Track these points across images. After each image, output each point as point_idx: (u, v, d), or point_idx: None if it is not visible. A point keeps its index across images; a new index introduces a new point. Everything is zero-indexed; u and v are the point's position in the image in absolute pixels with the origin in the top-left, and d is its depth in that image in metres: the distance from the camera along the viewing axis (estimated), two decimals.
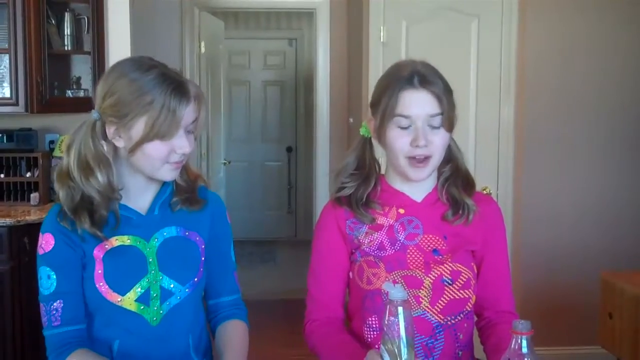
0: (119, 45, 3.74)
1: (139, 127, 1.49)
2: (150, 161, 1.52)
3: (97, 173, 1.52)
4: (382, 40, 3.81)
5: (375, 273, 1.61)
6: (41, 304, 1.56)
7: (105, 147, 1.53)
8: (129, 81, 1.50)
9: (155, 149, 1.50)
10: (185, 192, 1.66)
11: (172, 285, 1.59)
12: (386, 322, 1.31)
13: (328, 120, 5.21)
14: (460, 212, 1.66)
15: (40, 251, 1.56)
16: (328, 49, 5.16)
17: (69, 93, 3.83)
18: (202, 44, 5.23)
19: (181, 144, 1.52)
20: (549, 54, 3.81)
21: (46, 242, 1.55)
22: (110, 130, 1.52)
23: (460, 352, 1.63)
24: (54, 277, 1.54)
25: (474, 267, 1.65)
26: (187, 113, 1.51)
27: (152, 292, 1.57)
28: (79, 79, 3.88)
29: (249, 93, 7.43)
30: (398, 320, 1.30)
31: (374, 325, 1.61)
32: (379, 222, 1.65)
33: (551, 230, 3.88)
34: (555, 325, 3.86)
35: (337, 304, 1.69)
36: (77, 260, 1.56)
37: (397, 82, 1.58)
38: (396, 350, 1.30)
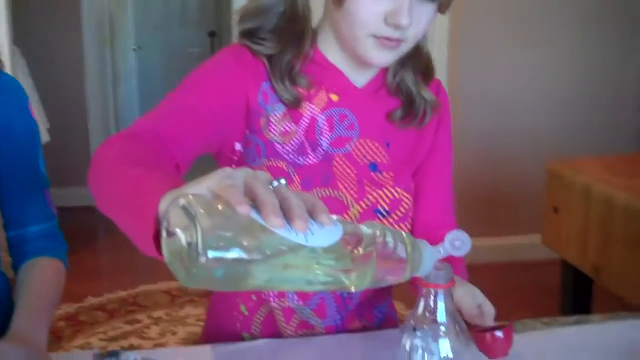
0: None
1: None
2: None
3: None
4: None
5: None
6: None
7: None
8: None
9: None
10: None
11: None
12: None
13: None
14: (415, 111, 1.14)
15: None
16: None
17: None
18: None
19: None
20: None
21: None
22: None
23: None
24: None
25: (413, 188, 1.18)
26: None
27: None
28: None
29: None
30: None
31: None
32: (300, 108, 1.10)
33: (492, 114, 3.54)
34: (497, 215, 3.59)
35: (178, 149, 0.94)
36: None
37: None
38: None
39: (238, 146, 1.10)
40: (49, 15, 4.46)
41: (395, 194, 1.13)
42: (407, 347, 0.81)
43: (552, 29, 3.53)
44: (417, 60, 1.15)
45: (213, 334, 1.19)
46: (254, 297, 1.14)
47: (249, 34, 1.09)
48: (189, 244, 0.59)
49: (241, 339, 1.16)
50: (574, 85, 3.60)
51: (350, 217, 1.10)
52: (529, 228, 3.34)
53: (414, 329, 0.81)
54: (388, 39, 1.02)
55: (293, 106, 1.09)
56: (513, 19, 3.49)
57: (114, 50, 4.85)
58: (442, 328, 0.80)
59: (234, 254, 0.60)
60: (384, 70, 1.15)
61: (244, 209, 0.60)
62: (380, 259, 0.70)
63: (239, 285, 0.63)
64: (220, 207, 0.61)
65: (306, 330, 1.15)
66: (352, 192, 1.11)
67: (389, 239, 0.71)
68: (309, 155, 1.09)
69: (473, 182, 3.51)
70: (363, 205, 1.11)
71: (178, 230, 0.60)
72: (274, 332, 1.15)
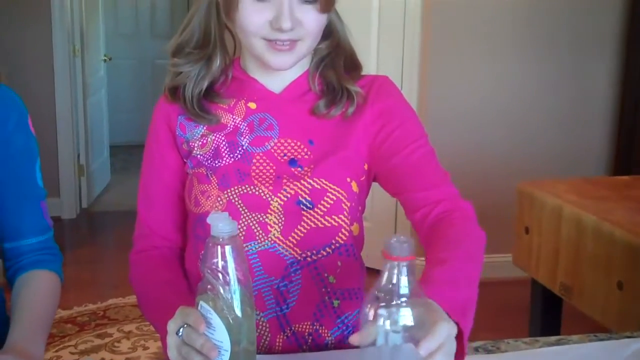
0: None
1: None
2: None
3: None
4: None
5: (204, 191, 1.18)
6: None
7: None
8: None
9: None
10: None
11: None
12: (207, 267, 0.90)
13: None
14: (339, 98, 1.20)
15: None
16: None
17: None
18: None
19: None
20: None
21: None
22: None
23: (336, 302, 1.19)
24: None
25: (353, 183, 1.19)
26: None
27: None
28: None
29: None
30: (225, 263, 0.89)
31: None
32: (222, 121, 1.22)
33: (463, 135, 3.57)
34: None
35: (168, 229, 1.27)
36: None
37: None
38: (223, 303, 0.89)
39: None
40: (19, 24, 4.42)
41: (315, 185, 1.16)
42: (370, 317, 0.85)
43: (522, 51, 3.59)
44: (337, 56, 1.23)
45: None
46: None
47: (171, 88, 1.23)
48: None
49: None
50: (544, 108, 3.66)
51: (273, 211, 1.15)
52: (500, 248, 3.38)
53: (377, 299, 0.84)
54: (279, 41, 1.12)
55: (211, 124, 1.21)
56: (483, 40, 3.54)
57: (84, 61, 4.80)
58: (404, 298, 0.83)
59: None
60: (306, 76, 1.23)
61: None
62: None
63: None
64: None
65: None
66: (267, 185, 1.16)
67: None
68: (223, 158, 1.19)
69: None
70: (282, 197, 1.16)
71: None
72: None
